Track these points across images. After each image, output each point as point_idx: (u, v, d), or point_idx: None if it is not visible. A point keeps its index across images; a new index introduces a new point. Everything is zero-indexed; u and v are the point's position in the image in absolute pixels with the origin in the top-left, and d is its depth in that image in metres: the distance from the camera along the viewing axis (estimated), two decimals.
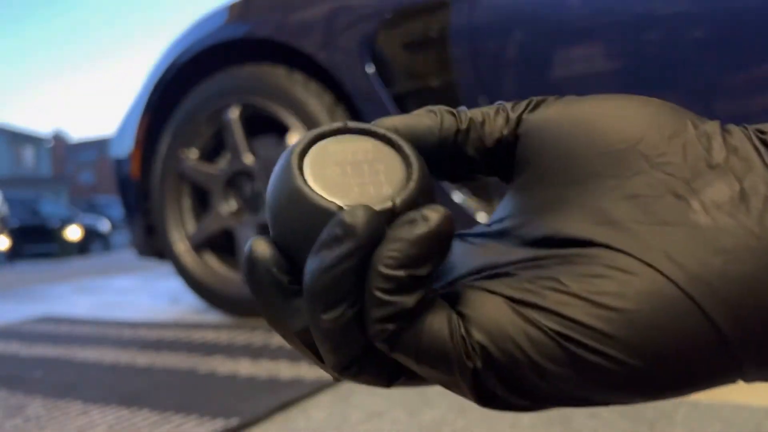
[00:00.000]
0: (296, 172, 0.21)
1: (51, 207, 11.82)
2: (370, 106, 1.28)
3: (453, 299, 0.21)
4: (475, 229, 0.26)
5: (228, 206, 1.56)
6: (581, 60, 1.06)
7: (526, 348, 0.19)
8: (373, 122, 0.24)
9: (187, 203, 1.63)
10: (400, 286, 0.19)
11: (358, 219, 0.19)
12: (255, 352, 1.12)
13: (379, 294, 0.19)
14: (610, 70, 1.04)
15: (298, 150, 0.22)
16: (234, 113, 1.50)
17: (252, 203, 1.53)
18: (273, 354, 1.10)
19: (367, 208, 0.20)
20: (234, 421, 0.77)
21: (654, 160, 0.21)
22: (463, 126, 0.24)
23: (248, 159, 1.50)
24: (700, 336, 0.19)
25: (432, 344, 0.20)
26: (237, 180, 1.55)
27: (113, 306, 2.00)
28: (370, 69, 1.27)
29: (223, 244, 1.61)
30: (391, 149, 0.23)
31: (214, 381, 0.97)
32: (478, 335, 0.20)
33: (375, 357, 0.21)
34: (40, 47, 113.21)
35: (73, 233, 10.84)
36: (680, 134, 0.21)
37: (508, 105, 0.25)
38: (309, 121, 1.38)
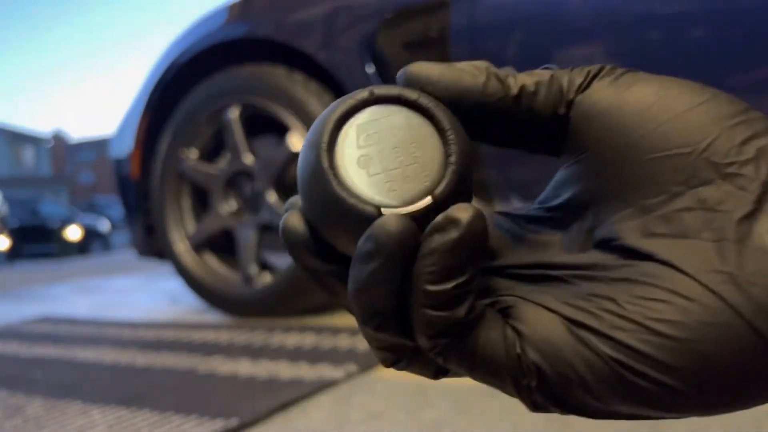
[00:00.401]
0: (327, 167, 0.20)
1: (51, 207, 11.81)
2: None
3: (506, 311, 0.21)
4: (525, 209, 0.24)
5: (228, 206, 1.55)
6: (582, 60, 1.05)
7: (581, 371, 0.19)
8: (403, 70, 0.22)
9: (187, 203, 1.63)
10: (448, 299, 0.19)
11: (391, 233, 0.18)
12: (255, 352, 1.12)
13: (427, 312, 0.19)
14: None
15: (326, 137, 0.20)
16: (234, 113, 1.50)
17: (252, 203, 1.53)
18: (273, 354, 1.10)
19: (399, 219, 0.18)
20: (234, 422, 0.77)
21: (724, 170, 0.19)
22: (513, 92, 0.22)
23: (248, 159, 1.50)
24: (763, 371, 0.18)
25: (487, 359, 0.20)
26: (237, 180, 1.55)
27: (113, 306, 2.00)
28: (370, 69, 1.27)
29: (223, 244, 1.61)
30: (426, 122, 0.21)
31: (213, 381, 0.97)
32: (534, 355, 0.19)
33: (423, 355, 0.21)
34: (40, 47, 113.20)
35: (73, 233, 10.84)
36: (752, 141, 0.19)
37: (562, 74, 0.22)
38: (309, 121, 1.38)
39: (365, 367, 0.98)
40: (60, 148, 34.39)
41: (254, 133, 1.53)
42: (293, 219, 0.22)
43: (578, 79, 0.22)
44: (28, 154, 29.84)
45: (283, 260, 1.54)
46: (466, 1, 1.15)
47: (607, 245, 0.20)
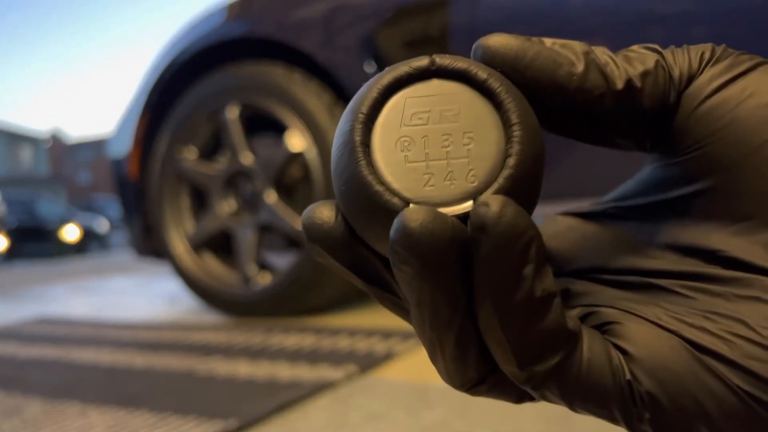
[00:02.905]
0: (359, 142, 0.17)
1: (49, 207, 11.80)
2: None
3: (604, 326, 0.17)
4: (595, 206, 0.21)
5: (227, 206, 1.55)
6: None
7: (707, 406, 0.16)
8: (480, 43, 0.19)
9: (185, 203, 1.62)
10: (529, 311, 0.15)
11: (422, 236, 0.15)
12: (254, 353, 1.12)
13: (509, 334, 0.16)
14: None
15: (367, 106, 0.17)
16: (233, 112, 1.50)
17: (251, 203, 1.52)
18: (272, 355, 1.10)
19: (428, 214, 0.15)
20: (232, 423, 0.76)
21: None
22: (617, 87, 0.18)
23: (247, 159, 1.49)
24: None
25: (589, 388, 0.16)
26: (236, 180, 1.54)
27: (111, 307, 1.99)
28: (370, 68, 1.26)
29: (222, 244, 1.60)
30: (491, 110, 0.17)
31: (212, 382, 0.96)
32: (648, 383, 0.16)
33: (503, 376, 0.18)
34: (39, 47, 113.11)
35: (71, 233, 10.83)
36: None
37: (670, 61, 0.19)
38: (308, 121, 1.37)
39: (365, 368, 0.98)
40: (58, 148, 34.36)
41: (254, 133, 1.53)
42: (322, 209, 0.18)
43: (690, 66, 0.18)
44: (26, 154, 29.80)
45: (282, 260, 1.53)
46: (466, 0, 1.15)
47: (710, 256, 0.18)
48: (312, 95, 1.37)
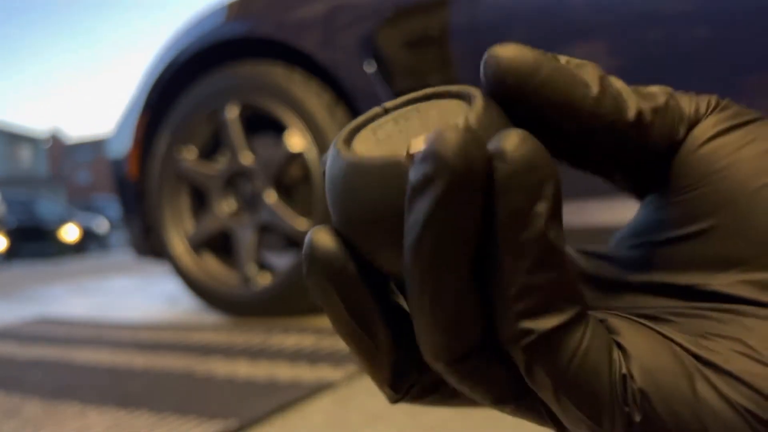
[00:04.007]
0: (343, 147, 0.17)
1: (48, 207, 11.80)
2: (370, 104, 1.27)
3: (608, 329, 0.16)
4: (603, 250, 0.21)
5: (227, 206, 1.55)
6: (583, 58, 1.05)
7: (703, 417, 0.15)
8: (491, 51, 0.18)
9: (185, 203, 1.62)
10: (542, 255, 0.14)
11: (449, 142, 0.14)
12: (253, 354, 1.12)
13: (515, 276, 0.15)
14: (612, 68, 1.04)
15: (346, 132, 0.18)
16: (233, 112, 1.49)
17: (251, 203, 1.52)
18: (271, 355, 1.10)
19: (455, 129, 0.14)
20: (232, 423, 0.76)
21: None
22: (629, 117, 0.18)
23: (247, 159, 1.49)
24: None
25: (582, 373, 0.15)
26: (236, 180, 1.54)
27: (111, 307, 1.99)
28: (370, 68, 1.26)
29: (221, 244, 1.60)
30: (456, 101, 0.17)
31: (212, 382, 0.96)
32: (642, 382, 0.15)
33: (492, 358, 0.16)
34: (38, 47, 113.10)
35: (71, 233, 10.82)
36: None
37: (680, 102, 0.19)
38: (308, 120, 1.37)
39: None
40: (57, 148, 34.36)
41: (254, 133, 1.53)
42: (321, 235, 0.17)
43: (696, 110, 0.19)
44: (26, 154, 29.80)
45: (282, 260, 1.53)
46: (466, 0, 1.15)
47: (706, 295, 0.17)
48: (312, 95, 1.37)
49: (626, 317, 0.16)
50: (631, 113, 0.18)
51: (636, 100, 0.18)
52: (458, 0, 1.15)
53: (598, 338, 0.15)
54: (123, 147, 1.73)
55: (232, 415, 0.79)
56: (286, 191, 1.49)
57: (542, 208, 0.14)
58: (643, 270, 0.19)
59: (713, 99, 0.19)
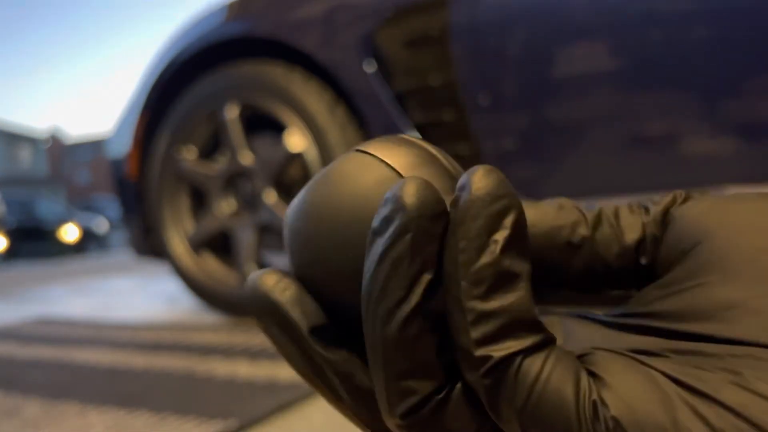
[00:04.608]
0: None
1: (48, 207, 11.79)
2: (370, 104, 1.27)
3: (582, 360, 0.16)
4: (606, 314, 0.20)
5: (226, 206, 1.55)
6: (583, 58, 1.05)
7: None
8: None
9: (185, 203, 1.62)
10: (498, 281, 0.15)
11: (409, 189, 0.15)
12: (253, 354, 1.12)
13: (471, 302, 0.15)
14: (613, 68, 1.04)
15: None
16: (232, 112, 1.49)
17: (251, 203, 1.52)
18: (272, 356, 1.10)
19: (418, 179, 0.16)
20: (232, 423, 0.76)
21: None
22: (590, 218, 0.19)
23: (247, 159, 1.49)
24: None
25: (545, 400, 0.14)
26: (236, 180, 1.54)
27: (110, 307, 1.99)
28: (370, 68, 1.26)
29: (221, 244, 1.60)
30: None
31: (212, 383, 0.96)
32: (616, 409, 0.14)
33: (453, 400, 0.16)
34: (37, 46, 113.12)
35: (70, 233, 10.82)
36: None
37: (642, 204, 0.20)
38: (308, 120, 1.37)
39: None
40: (57, 147, 34.34)
41: (253, 133, 1.52)
42: (268, 278, 0.18)
43: (668, 199, 0.20)
44: (25, 154, 29.78)
45: (282, 260, 1.53)
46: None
47: (708, 340, 0.17)
48: (312, 95, 1.37)
49: (615, 352, 0.16)
50: (590, 217, 0.19)
51: (601, 208, 0.20)
52: (458, 0, 1.15)
53: (563, 365, 0.15)
54: (123, 147, 1.73)
55: (232, 415, 0.79)
56: (285, 191, 1.48)
57: (500, 236, 0.15)
58: (644, 317, 0.18)
59: (683, 193, 0.20)
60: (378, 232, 0.16)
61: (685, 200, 0.19)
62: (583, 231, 0.19)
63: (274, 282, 0.18)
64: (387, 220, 0.16)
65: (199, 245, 1.58)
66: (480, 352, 0.15)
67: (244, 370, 1.01)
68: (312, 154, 1.38)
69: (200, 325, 1.47)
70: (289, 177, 1.47)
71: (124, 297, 2.26)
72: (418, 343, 0.16)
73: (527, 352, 0.15)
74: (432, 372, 0.16)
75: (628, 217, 0.19)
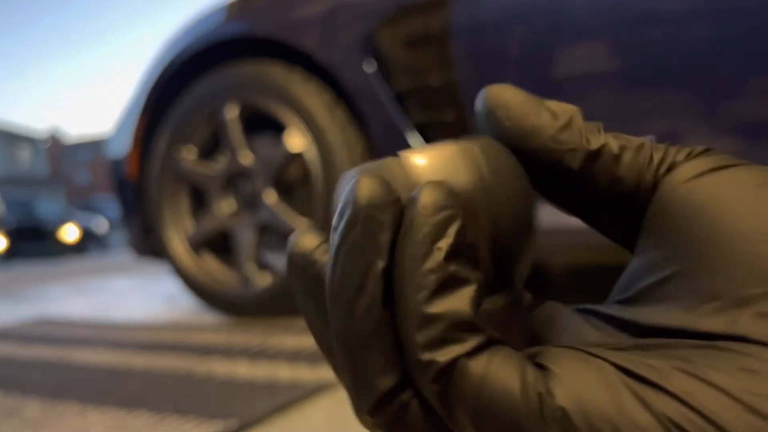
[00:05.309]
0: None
1: (48, 207, 11.79)
2: (370, 104, 1.27)
3: (535, 356, 0.16)
4: (602, 307, 0.20)
5: (226, 206, 1.55)
6: (584, 58, 1.05)
7: None
8: (483, 93, 0.20)
9: (185, 203, 1.62)
10: (441, 286, 0.15)
11: (359, 183, 0.16)
12: (253, 354, 1.12)
13: (415, 307, 0.15)
14: (613, 68, 1.04)
15: None
16: (232, 112, 1.49)
17: (251, 203, 1.52)
18: (271, 356, 1.10)
19: (370, 175, 0.17)
20: (232, 423, 0.76)
21: None
22: (591, 147, 0.19)
23: (247, 159, 1.49)
24: None
25: (493, 396, 0.15)
26: (235, 180, 1.54)
27: (110, 307, 1.99)
28: (370, 67, 1.26)
29: (221, 244, 1.60)
30: None
31: (211, 383, 0.96)
32: (563, 399, 0.14)
33: (418, 401, 0.16)
34: (37, 46, 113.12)
35: (70, 233, 10.82)
36: None
37: (654, 146, 0.20)
38: (308, 120, 1.37)
39: None
40: (57, 148, 34.34)
41: (253, 133, 1.52)
42: (308, 240, 0.19)
43: (675, 155, 0.19)
44: (25, 154, 29.78)
45: (282, 260, 1.53)
46: None
47: (679, 334, 0.17)
48: (311, 95, 1.37)
49: (571, 348, 0.16)
50: (595, 144, 0.19)
51: (605, 137, 0.20)
52: (458, 0, 1.15)
53: (508, 363, 0.15)
54: (123, 147, 1.73)
55: (232, 415, 0.79)
56: (285, 191, 1.49)
57: (444, 244, 0.16)
58: (630, 314, 0.19)
59: (699, 148, 0.19)
60: (334, 228, 0.17)
61: (691, 157, 0.19)
62: (580, 157, 0.19)
63: (314, 244, 0.18)
64: (340, 215, 0.17)
65: (199, 245, 1.58)
66: (425, 356, 0.15)
67: (243, 370, 1.01)
68: (312, 154, 1.38)
69: (200, 325, 1.47)
70: (289, 177, 1.47)
71: (124, 297, 2.26)
72: (380, 335, 0.16)
73: (471, 354, 0.15)
74: (394, 366, 0.16)
75: (632, 160, 0.19)
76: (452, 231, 0.16)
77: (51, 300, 2.32)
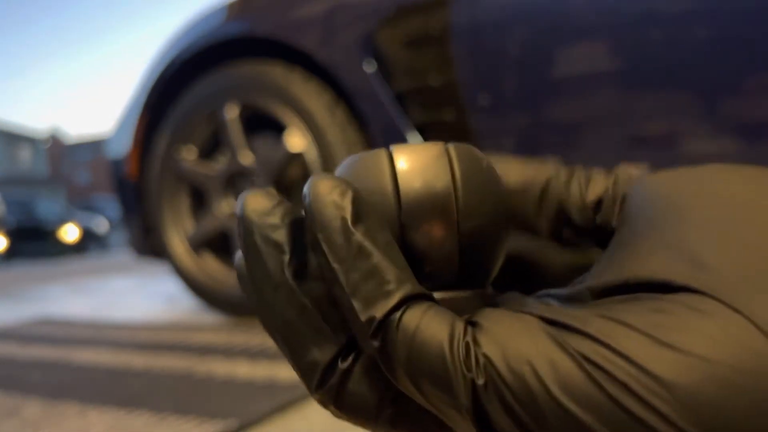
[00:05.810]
0: None
1: (48, 207, 11.79)
2: (370, 104, 1.27)
3: (472, 316, 0.18)
4: (561, 290, 0.21)
5: (226, 206, 1.55)
6: (584, 58, 1.05)
7: (544, 375, 0.15)
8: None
9: (185, 203, 1.62)
10: (360, 250, 0.17)
11: (246, 202, 0.19)
12: (253, 354, 1.12)
13: (344, 275, 0.17)
14: (613, 68, 1.04)
15: None
16: (232, 112, 1.49)
17: None
18: (271, 356, 1.10)
19: (256, 190, 0.20)
20: (232, 423, 0.76)
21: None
22: (562, 178, 0.23)
23: (247, 159, 1.49)
24: None
25: (425, 350, 0.16)
26: (235, 180, 1.54)
27: (110, 307, 1.99)
28: (370, 67, 1.26)
29: (221, 244, 1.60)
30: None
31: (211, 383, 0.96)
32: (487, 347, 0.16)
33: (359, 367, 0.18)
34: (37, 46, 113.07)
35: (70, 233, 10.82)
36: None
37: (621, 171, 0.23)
38: (308, 120, 1.37)
39: None
40: (57, 148, 34.33)
41: (253, 133, 1.52)
42: (256, 197, 0.20)
43: (634, 168, 0.22)
44: (25, 154, 29.77)
45: None
46: None
47: (621, 289, 0.18)
48: (311, 95, 1.37)
49: (507, 309, 0.18)
50: (563, 175, 0.23)
51: (573, 168, 0.23)
52: (458, 0, 1.15)
53: (439, 317, 0.16)
54: (123, 147, 1.73)
55: (232, 415, 0.79)
56: (285, 191, 1.49)
57: (347, 213, 0.17)
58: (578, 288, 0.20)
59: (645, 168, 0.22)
60: (240, 244, 0.19)
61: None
62: (554, 185, 0.22)
63: (267, 206, 0.20)
64: (238, 234, 0.19)
65: (199, 245, 1.58)
66: (364, 315, 0.17)
67: (243, 370, 1.01)
68: (312, 154, 1.38)
69: (200, 325, 1.47)
70: (289, 177, 1.47)
71: (124, 297, 2.26)
72: (306, 316, 0.18)
73: (404, 303, 0.17)
74: (328, 340, 0.18)
75: (597, 178, 0.22)
76: (347, 203, 0.17)
77: (51, 300, 2.32)
